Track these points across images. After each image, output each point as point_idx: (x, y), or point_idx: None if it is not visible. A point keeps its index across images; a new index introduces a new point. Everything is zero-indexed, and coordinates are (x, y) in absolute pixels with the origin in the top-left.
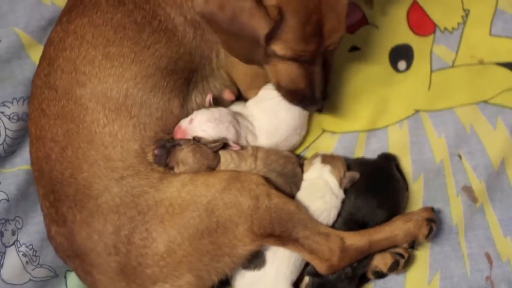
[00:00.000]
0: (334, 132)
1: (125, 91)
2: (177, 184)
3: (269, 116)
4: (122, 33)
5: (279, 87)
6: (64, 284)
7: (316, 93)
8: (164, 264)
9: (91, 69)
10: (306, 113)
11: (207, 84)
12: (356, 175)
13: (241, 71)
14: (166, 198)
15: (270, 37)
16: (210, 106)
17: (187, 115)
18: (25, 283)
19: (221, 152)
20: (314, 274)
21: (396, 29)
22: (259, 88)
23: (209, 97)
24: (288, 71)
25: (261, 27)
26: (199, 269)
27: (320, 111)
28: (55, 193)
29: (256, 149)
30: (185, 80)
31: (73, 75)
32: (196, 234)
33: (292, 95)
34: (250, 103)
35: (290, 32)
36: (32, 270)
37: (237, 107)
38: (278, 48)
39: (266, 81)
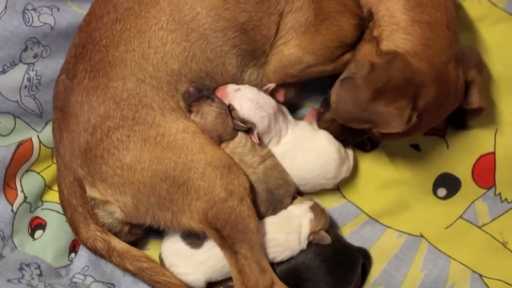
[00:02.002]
0: (343, 196)
1: (195, 14)
2: (181, 125)
3: (298, 147)
4: None
5: (332, 121)
6: (41, 127)
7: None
8: (119, 173)
9: None
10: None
11: (265, 61)
12: (328, 239)
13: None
14: (163, 127)
15: None
16: (267, 91)
17: (235, 80)
18: (11, 100)
19: (240, 134)
20: None
21: (460, 162)
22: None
23: (270, 86)
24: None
25: (394, 127)
26: (141, 202)
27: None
28: (83, 49)
29: (270, 155)
30: (251, 50)
31: None
32: (161, 174)
33: (335, 133)
34: (306, 124)
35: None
36: (24, 96)
37: (285, 109)
38: (378, 133)
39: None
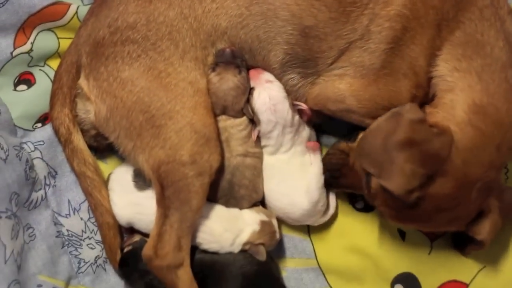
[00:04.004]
0: (308, 233)
1: None
2: (191, 77)
3: (283, 172)
4: None
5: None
6: (89, 1)
7: None
8: (111, 82)
9: None
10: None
11: (312, 80)
12: (263, 256)
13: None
14: (174, 68)
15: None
16: (295, 106)
17: (274, 74)
18: None
19: (245, 119)
20: (137, 247)
21: (432, 274)
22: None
23: (303, 107)
24: None
25: (394, 184)
26: (113, 118)
27: None
28: None
29: (257, 157)
30: (303, 57)
31: None
32: (144, 105)
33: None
34: (309, 159)
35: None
36: None
37: (305, 134)
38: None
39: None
